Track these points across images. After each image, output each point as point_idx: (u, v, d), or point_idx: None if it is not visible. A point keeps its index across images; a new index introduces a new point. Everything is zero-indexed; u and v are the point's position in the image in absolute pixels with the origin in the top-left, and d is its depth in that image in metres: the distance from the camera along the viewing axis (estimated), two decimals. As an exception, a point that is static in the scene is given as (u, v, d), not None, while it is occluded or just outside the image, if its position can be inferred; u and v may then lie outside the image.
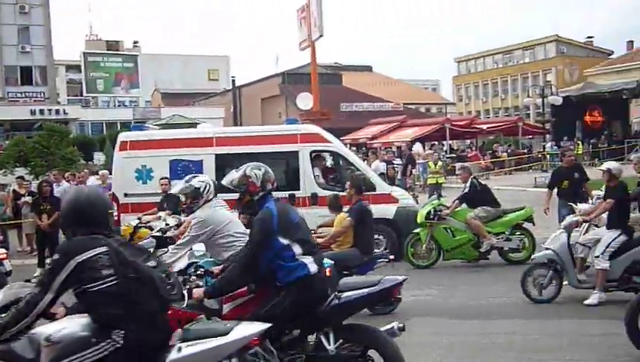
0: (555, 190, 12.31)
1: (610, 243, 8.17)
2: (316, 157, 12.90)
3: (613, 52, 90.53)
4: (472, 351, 6.82)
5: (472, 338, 7.27)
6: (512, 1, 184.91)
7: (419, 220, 11.60)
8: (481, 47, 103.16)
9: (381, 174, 17.38)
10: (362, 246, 8.46)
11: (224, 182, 5.22)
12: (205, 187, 6.57)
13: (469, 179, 11.88)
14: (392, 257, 8.89)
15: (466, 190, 11.74)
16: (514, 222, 11.52)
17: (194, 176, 6.84)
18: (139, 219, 10.91)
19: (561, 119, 44.08)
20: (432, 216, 11.47)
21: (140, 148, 13.00)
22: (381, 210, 11.89)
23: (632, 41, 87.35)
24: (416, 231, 11.56)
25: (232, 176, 5.11)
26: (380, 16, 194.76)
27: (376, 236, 11.82)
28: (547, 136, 43.15)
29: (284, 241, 4.75)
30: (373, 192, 12.08)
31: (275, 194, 5.17)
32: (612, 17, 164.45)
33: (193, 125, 22.30)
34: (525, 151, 41.87)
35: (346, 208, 9.04)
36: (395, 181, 19.31)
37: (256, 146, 12.34)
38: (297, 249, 4.79)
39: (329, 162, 14.08)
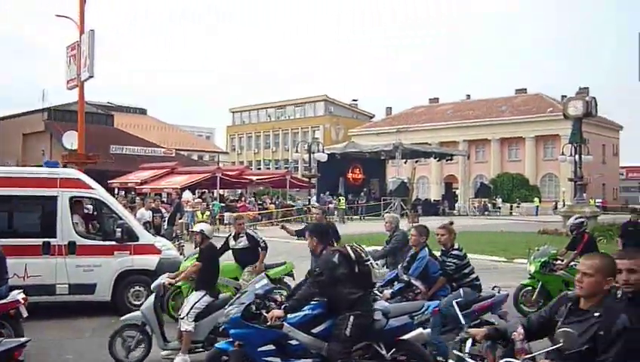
0: None
1: (195, 304, 8.24)
2: (76, 204, 12.28)
3: (374, 115, 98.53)
4: None
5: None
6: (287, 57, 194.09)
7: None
8: (257, 100, 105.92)
9: (146, 223, 16.95)
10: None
11: None
12: None
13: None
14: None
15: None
16: (276, 276, 11.78)
17: None
18: None
19: (326, 175, 46.68)
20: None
21: None
22: (143, 261, 11.63)
23: (390, 108, 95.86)
24: None
25: None
26: (159, 56, 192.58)
27: (137, 288, 11.57)
28: (312, 190, 45.33)
29: None
30: (136, 242, 11.77)
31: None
32: (375, 82, 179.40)
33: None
34: (292, 203, 43.52)
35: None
36: (161, 230, 18.91)
37: (9, 189, 11.44)
38: None
39: (90, 209, 13.48)
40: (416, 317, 6.81)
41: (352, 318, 6.06)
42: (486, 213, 56.22)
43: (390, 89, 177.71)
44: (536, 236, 25.56)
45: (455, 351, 4.44)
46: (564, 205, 45.18)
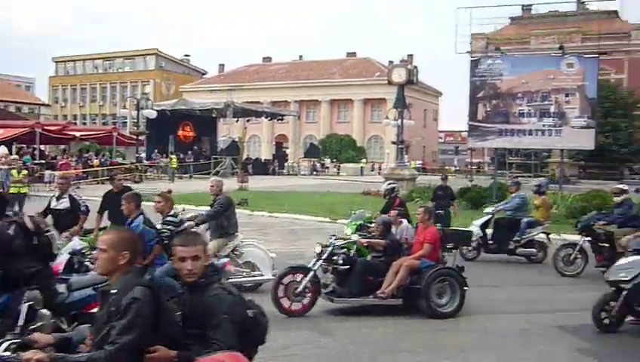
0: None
1: None
2: None
3: (207, 72, 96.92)
4: None
5: None
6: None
7: None
8: (84, 50, 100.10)
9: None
10: None
11: None
12: None
13: None
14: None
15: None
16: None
17: None
18: None
19: (155, 132, 45.51)
20: None
21: None
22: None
23: (223, 65, 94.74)
24: None
25: None
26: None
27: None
28: (140, 147, 44.04)
29: None
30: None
31: None
32: (209, 38, 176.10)
33: None
34: (120, 160, 41.99)
35: None
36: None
37: None
38: None
39: None
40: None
41: (28, 293, 5.47)
42: (315, 172, 57.80)
43: (224, 46, 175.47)
44: (359, 197, 26.78)
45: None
46: (387, 167, 47.54)
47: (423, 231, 9.17)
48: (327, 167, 63.03)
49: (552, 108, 24.98)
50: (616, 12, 72.40)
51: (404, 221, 10.88)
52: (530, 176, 51.20)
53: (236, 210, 10.48)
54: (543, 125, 25.03)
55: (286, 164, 60.09)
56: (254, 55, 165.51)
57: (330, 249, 8.85)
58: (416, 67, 30.54)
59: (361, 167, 63.42)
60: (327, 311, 8.74)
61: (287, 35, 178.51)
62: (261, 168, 51.92)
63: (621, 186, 12.96)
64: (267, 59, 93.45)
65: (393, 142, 30.99)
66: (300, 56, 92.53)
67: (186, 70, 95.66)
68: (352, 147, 75.02)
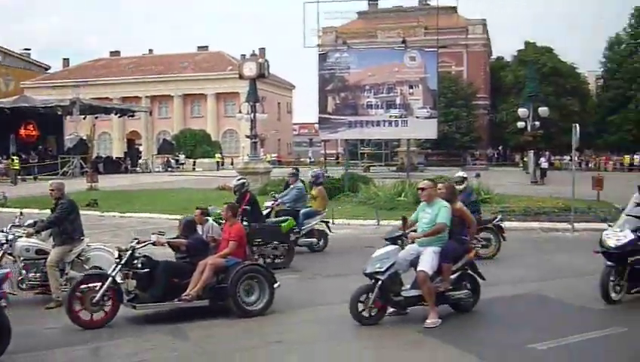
0: None
1: None
2: None
3: (50, 67, 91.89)
4: None
5: None
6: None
7: None
8: None
9: None
10: None
11: None
12: None
13: None
14: None
15: None
16: None
17: None
18: None
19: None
20: None
21: None
22: None
23: (67, 59, 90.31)
24: None
25: None
26: None
27: None
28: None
29: None
30: None
31: None
32: (52, 32, 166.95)
33: None
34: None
35: None
36: None
37: None
38: None
39: None
40: None
41: None
42: (169, 169, 56.62)
43: (66, 39, 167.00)
44: (215, 192, 26.55)
45: None
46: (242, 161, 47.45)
47: (228, 229, 9.12)
48: (183, 163, 61.92)
49: (398, 100, 26.03)
50: (455, 8, 76.54)
51: (209, 219, 10.87)
52: (381, 165, 53.29)
53: (86, 212, 10.11)
54: (390, 116, 26.02)
55: (139, 162, 58.32)
56: (102, 49, 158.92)
57: (129, 253, 8.39)
58: (267, 61, 30.62)
59: (217, 162, 62.89)
60: (180, 314, 8.59)
61: (137, 27, 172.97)
62: (112, 167, 50.02)
63: (461, 174, 13.72)
64: (115, 53, 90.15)
65: (247, 136, 30.92)
66: (150, 50, 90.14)
67: (27, 65, 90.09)
68: (208, 142, 74.15)
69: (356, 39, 56.70)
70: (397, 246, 8.13)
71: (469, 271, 8.41)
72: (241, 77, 28.93)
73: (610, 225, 9.56)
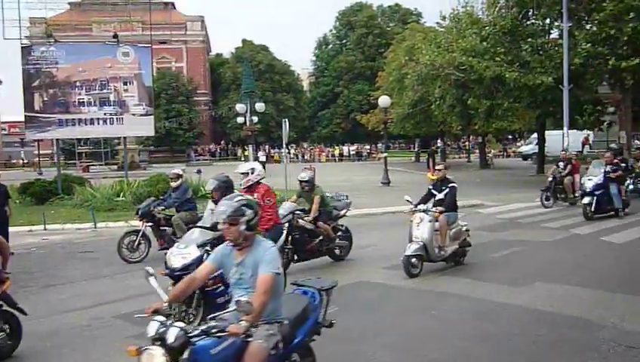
0: None
1: None
2: None
3: None
4: None
5: None
6: None
7: None
8: None
9: None
10: None
11: None
12: None
13: None
14: None
15: None
16: None
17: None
18: None
19: None
20: None
21: None
22: None
23: None
24: None
25: None
26: None
27: None
28: None
29: None
30: None
31: None
32: None
33: None
34: None
35: None
36: None
37: None
38: None
39: None
40: None
41: None
42: None
43: None
44: None
45: None
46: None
47: None
48: None
49: (112, 97, 25.14)
50: (174, 4, 76.32)
51: None
52: (102, 165, 51.23)
53: None
54: (104, 114, 25.04)
55: None
56: None
57: None
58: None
59: None
60: None
61: None
62: None
63: (176, 171, 13.63)
64: None
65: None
66: None
67: None
68: None
69: (70, 32, 53.78)
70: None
71: None
72: None
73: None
